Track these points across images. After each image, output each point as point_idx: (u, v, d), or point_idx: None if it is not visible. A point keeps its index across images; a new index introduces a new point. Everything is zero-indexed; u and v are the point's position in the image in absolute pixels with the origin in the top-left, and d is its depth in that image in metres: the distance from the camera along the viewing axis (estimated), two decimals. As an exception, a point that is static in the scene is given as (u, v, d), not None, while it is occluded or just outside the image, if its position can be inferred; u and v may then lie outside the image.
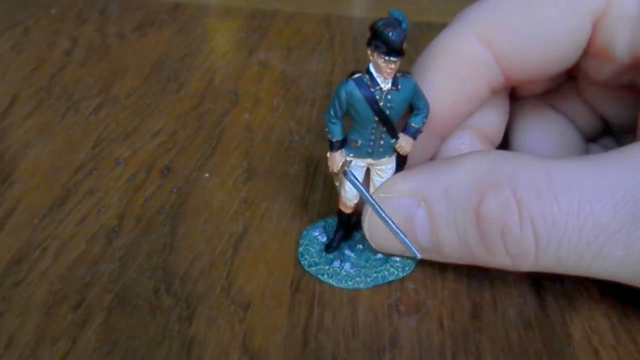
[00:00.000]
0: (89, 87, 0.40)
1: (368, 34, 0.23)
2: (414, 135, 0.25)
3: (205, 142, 0.35)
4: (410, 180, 0.25)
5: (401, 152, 0.25)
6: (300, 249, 0.28)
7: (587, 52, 0.27)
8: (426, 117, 0.25)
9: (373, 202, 0.25)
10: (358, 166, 0.26)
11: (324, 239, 0.28)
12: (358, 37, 0.47)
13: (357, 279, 0.27)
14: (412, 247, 0.25)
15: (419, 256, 0.25)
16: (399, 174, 0.26)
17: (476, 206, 0.23)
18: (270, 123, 0.37)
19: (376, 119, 0.24)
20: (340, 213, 0.28)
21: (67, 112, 0.37)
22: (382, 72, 0.23)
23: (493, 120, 0.30)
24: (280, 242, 0.29)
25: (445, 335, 0.25)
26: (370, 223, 0.26)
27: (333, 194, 0.31)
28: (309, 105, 0.39)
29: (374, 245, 0.27)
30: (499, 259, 0.24)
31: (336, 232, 0.28)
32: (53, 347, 0.24)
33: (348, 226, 0.28)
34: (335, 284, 0.26)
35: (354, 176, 0.25)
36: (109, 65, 0.42)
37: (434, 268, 0.27)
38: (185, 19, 0.49)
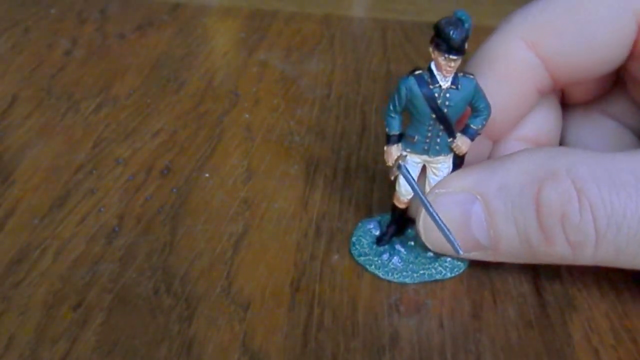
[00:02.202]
0: (89, 87, 0.40)
1: (438, 22, 0.23)
2: (472, 136, 0.25)
3: (205, 142, 0.35)
4: (465, 177, 0.26)
5: (457, 152, 0.26)
6: (353, 239, 0.28)
7: (634, 53, 0.27)
8: (486, 119, 0.25)
9: (422, 197, 0.25)
10: (414, 162, 0.26)
11: (377, 232, 0.29)
12: (358, 37, 0.47)
13: (404, 273, 0.27)
14: (455, 243, 0.25)
15: (460, 252, 0.25)
16: (455, 172, 0.26)
17: (535, 197, 0.24)
18: (270, 123, 0.37)
19: (433, 116, 0.24)
20: (394, 208, 0.28)
21: (67, 112, 0.37)
22: (442, 70, 0.24)
23: (547, 129, 0.30)
24: (280, 242, 0.29)
25: (445, 335, 0.25)
26: (425, 221, 0.26)
27: (333, 194, 0.32)
28: (309, 105, 0.39)
29: (428, 244, 0.27)
30: (559, 249, 0.24)
31: (389, 226, 0.28)
32: (53, 347, 0.24)
33: (401, 221, 0.28)
34: (381, 276, 0.27)
35: (407, 170, 0.25)
36: (109, 65, 0.42)
37: (434, 268, 0.27)
38: (185, 19, 0.49)
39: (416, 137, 0.25)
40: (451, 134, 0.25)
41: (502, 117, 0.27)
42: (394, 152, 0.26)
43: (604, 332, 0.25)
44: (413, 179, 0.25)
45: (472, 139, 0.25)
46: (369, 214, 0.30)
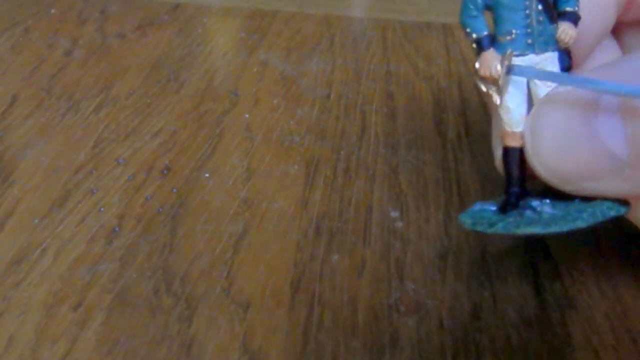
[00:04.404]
0: (89, 87, 0.40)
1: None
2: (575, 20, 0.21)
3: (205, 142, 0.35)
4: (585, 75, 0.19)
5: (565, 39, 0.20)
6: (468, 221, 0.22)
7: None
8: (579, 1, 0.21)
9: (566, 77, 0.19)
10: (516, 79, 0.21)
11: (494, 207, 0.22)
12: (358, 37, 0.47)
13: (568, 217, 0.20)
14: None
15: None
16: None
17: None
18: (270, 123, 0.37)
19: None
20: (506, 153, 0.21)
21: (67, 112, 0.37)
22: None
23: None
24: (280, 242, 0.29)
25: (445, 335, 0.25)
26: (536, 128, 0.19)
27: (333, 194, 0.32)
28: (309, 105, 0.39)
29: (539, 167, 0.19)
30: None
31: (509, 186, 0.21)
32: (53, 347, 0.24)
33: (523, 175, 0.21)
34: (540, 230, 0.20)
35: (522, 65, 0.20)
36: (109, 65, 0.42)
37: (434, 268, 0.27)
38: (185, 19, 0.49)
39: (514, 31, 0.20)
40: (552, 14, 0.20)
41: (588, 28, 0.22)
42: (490, 57, 0.20)
43: (604, 332, 0.25)
44: (534, 68, 0.20)
45: (575, 24, 0.21)
46: (369, 214, 0.30)
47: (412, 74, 0.42)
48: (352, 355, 0.24)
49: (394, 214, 0.30)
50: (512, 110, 0.21)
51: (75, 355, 0.23)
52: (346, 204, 0.31)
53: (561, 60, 0.21)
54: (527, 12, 0.20)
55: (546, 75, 0.20)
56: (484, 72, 0.20)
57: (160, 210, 0.30)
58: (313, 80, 0.41)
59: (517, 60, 0.20)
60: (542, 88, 0.20)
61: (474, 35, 0.20)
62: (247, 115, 0.38)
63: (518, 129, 0.21)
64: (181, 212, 0.30)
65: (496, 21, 0.20)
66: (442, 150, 0.35)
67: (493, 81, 0.20)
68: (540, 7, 0.20)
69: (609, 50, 0.25)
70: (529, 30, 0.20)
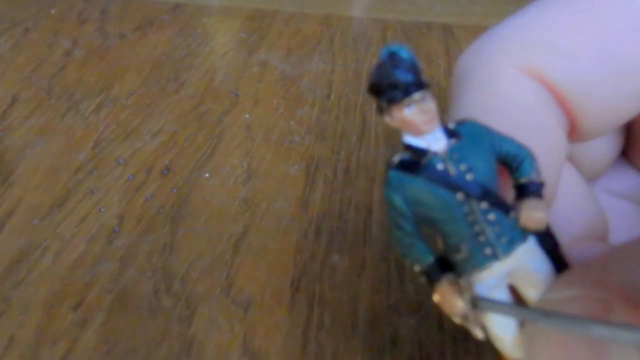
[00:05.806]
0: (89, 87, 0.40)
1: (368, 82, 0.16)
2: (538, 192, 0.16)
3: (205, 142, 0.35)
4: (578, 278, 0.15)
5: (534, 226, 0.16)
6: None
7: None
8: (535, 161, 0.16)
9: (535, 314, 0.14)
10: (490, 287, 0.16)
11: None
12: (358, 37, 0.47)
13: None
14: None
15: None
16: (565, 273, 0.16)
17: None
18: (270, 123, 0.37)
19: (459, 196, 0.15)
20: None
21: (67, 112, 0.37)
22: (420, 127, 0.16)
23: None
24: (280, 242, 0.29)
25: (445, 335, 0.25)
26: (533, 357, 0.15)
27: (334, 194, 0.31)
28: (309, 106, 0.39)
29: None
30: None
31: None
32: (53, 347, 0.24)
33: None
34: None
35: (488, 299, 0.15)
36: (109, 65, 0.42)
37: (434, 268, 0.27)
38: (185, 19, 0.49)
39: (463, 246, 0.16)
40: (503, 206, 0.16)
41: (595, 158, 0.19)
42: (448, 289, 0.15)
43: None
44: (507, 302, 0.16)
45: (540, 196, 0.16)
46: (369, 214, 0.30)
47: (412, 74, 0.42)
48: (352, 355, 0.24)
49: (394, 214, 0.30)
50: (504, 338, 0.16)
51: (75, 355, 0.23)
52: (346, 204, 0.31)
53: (543, 243, 0.16)
54: (469, 217, 0.15)
55: (505, 311, 0.15)
56: (446, 310, 0.15)
57: (160, 210, 0.30)
58: (313, 80, 0.41)
59: (485, 279, 0.15)
60: (531, 291, 0.16)
61: (417, 268, 0.16)
62: (247, 115, 0.38)
63: (516, 354, 0.16)
64: (181, 212, 0.30)
65: (440, 234, 0.16)
66: (442, 150, 0.34)
67: (463, 317, 0.16)
68: (484, 204, 0.15)
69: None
70: (480, 238, 0.15)
